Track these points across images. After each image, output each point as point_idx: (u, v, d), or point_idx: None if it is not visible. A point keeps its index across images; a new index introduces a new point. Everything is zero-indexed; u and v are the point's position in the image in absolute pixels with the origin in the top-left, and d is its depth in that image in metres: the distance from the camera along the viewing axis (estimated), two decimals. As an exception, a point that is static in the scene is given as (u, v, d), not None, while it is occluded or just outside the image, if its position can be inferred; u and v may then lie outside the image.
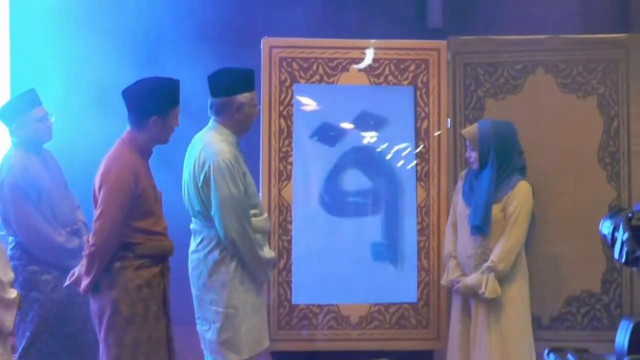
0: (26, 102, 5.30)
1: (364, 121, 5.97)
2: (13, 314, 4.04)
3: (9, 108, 5.31)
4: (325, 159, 5.95)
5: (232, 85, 4.95)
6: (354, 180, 5.95)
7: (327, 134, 5.96)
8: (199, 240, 5.00)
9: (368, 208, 5.97)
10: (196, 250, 5.01)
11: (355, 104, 5.98)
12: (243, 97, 4.95)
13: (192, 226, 5.06)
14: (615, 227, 3.15)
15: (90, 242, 4.52)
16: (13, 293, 4.04)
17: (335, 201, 5.94)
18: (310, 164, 5.94)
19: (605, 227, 3.37)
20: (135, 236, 4.56)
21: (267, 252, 5.03)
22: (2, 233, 5.17)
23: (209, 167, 4.84)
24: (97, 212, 4.53)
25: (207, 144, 4.92)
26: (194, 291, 5.05)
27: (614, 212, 3.66)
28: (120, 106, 4.67)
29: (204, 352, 5.10)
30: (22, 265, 5.20)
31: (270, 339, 5.29)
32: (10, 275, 4.10)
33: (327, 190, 5.94)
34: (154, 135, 4.60)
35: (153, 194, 4.64)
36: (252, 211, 4.95)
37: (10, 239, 5.26)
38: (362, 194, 5.98)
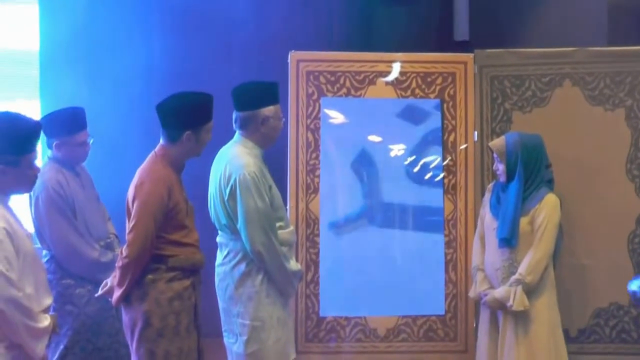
0: (74, 124, 5.25)
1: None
2: (44, 342, 4.01)
3: (54, 124, 5.24)
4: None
5: (256, 99, 4.96)
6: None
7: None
8: (225, 253, 5.02)
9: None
10: (222, 264, 5.03)
11: (382, 117, 6.00)
12: (268, 110, 4.96)
13: (218, 239, 5.08)
14: None
15: (124, 253, 4.55)
16: (46, 320, 4.01)
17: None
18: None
19: (635, 284, 3.39)
20: (168, 248, 4.59)
21: (294, 265, 5.03)
22: (37, 246, 5.17)
23: (235, 180, 4.85)
24: (130, 225, 4.56)
25: (233, 157, 4.94)
26: (220, 304, 5.06)
27: None
28: (149, 119, 4.69)
29: (231, 364, 5.12)
30: (56, 279, 5.21)
31: (297, 351, 5.30)
32: (47, 302, 4.08)
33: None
34: (187, 149, 4.63)
35: (185, 207, 4.66)
36: (278, 224, 4.96)
37: (45, 252, 5.27)
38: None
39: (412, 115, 6.00)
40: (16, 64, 6.97)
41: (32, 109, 6.75)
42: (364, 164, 5.97)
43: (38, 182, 5.09)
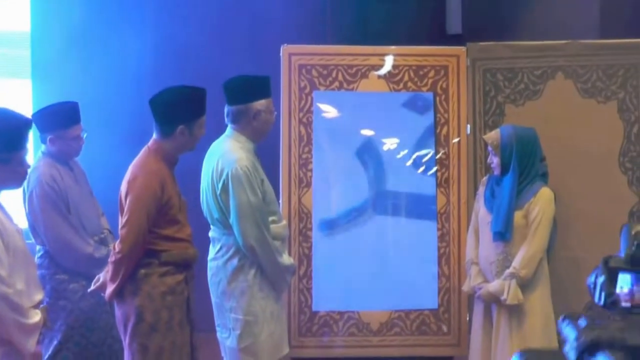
0: (67, 118, 5.24)
1: None
2: (35, 338, 4.01)
3: (48, 118, 5.24)
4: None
5: (248, 93, 4.94)
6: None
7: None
8: (217, 247, 5.01)
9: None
10: (215, 258, 5.02)
11: (374, 110, 5.99)
12: (259, 104, 4.95)
13: (210, 234, 5.07)
14: (597, 274, 3.17)
15: (117, 249, 4.55)
16: (36, 316, 4.02)
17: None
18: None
19: (590, 277, 3.39)
20: (161, 243, 4.58)
21: (286, 259, 5.03)
22: (30, 241, 5.16)
23: (227, 174, 4.84)
24: (123, 220, 4.55)
25: (225, 151, 4.92)
26: (213, 299, 5.06)
27: None
28: (141, 117, 4.67)
29: (224, 359, 5.11)
30: (50, 274, 5.20)
31: (290, 345, 5.30)
32: (38, 297, 4.09)
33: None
34: (181, 144, 4.62)
35: (178, 202, 4.65)
36: (271, 218, 4.95)
37: (38, 247, 5.26)
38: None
39: (417, 106, 5.99)
40: (7, 44, 6.98)
41: (24, 90, 6.76)
42: (369, 153, 5.96)
43: (32, 177, 5.10)
